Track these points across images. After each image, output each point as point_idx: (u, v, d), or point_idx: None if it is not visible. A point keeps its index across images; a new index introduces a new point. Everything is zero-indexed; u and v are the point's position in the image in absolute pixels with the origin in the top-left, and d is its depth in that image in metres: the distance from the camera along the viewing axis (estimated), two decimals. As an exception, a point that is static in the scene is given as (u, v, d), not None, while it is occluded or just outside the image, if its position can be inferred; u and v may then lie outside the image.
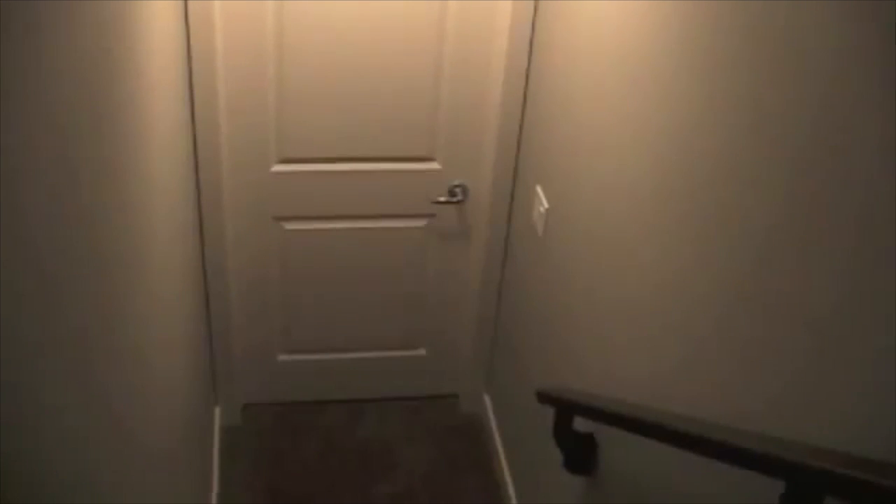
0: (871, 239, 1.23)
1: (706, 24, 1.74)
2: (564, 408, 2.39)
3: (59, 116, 1.13)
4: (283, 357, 3.80)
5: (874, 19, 1.20)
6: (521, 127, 3.23)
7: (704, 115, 1.75)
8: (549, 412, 2.44)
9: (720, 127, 1.68)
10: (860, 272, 1.25)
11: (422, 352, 3.89)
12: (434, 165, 3.36)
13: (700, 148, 1.77)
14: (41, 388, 1.01)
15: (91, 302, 1.30)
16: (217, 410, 3.76)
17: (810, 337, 1.38)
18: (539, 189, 3.00)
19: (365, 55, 3.07)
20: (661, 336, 2.01)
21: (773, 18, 1.47)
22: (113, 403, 1.46)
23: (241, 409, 3.84)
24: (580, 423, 2.41)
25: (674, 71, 1.90)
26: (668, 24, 1.93)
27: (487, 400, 3.90)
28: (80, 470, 1.20)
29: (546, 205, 2.92)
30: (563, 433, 2.43)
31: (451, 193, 3.41)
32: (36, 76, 1.01)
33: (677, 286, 1.89)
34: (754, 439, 1.45)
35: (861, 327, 1.26)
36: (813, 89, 1.35)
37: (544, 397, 2.46)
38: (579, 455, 2.45)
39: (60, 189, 1.12)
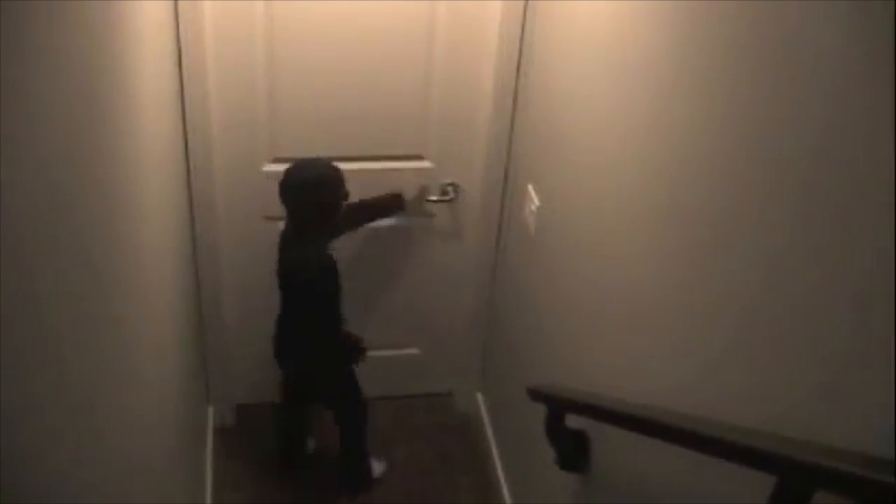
0: (889, 244, 1.20)
1: (709, 21, 1.74)
2: (556, 405, 2.39)
3: (49, 115, 1.13)
4: (276, 357, 3.79)
5: (887, 17, 1.19)
6: (511, 125, 3.23)
7: (707, 116, 1.74)
8: (542, 410, 2.44)
9: (725, 128, 1.67)
10: (877, 277, 1.23)
11: (415, 350, 3.89)
12: (425, 164, 3.35)
13: (704, 149, 1.76)
14: (22, 400, 1.00)
15: (77, 310, 1.29)
16: (210, 410, 3.75)
17: (828, 342, 1.36)
18: (530, 188, 3.00)
19: (356, 54, 3.06)
20: (656, 337, 2.01)
21: (783, 17, 1.45)
22: (99, 413, 1.45)
23: (235, 409, 3.83)
24: (574, 421, 2.41)
25: (675, 69, 1.88)
26: (668, 20, 1.91)
27: (481, 398, 3.90)
28: (64, 481, 1.19)
29: (538, 203, 2.92)
30: (555, 431, 2.43)
31: (443, 192, 3.41)
32: (26, 74, 1.01)
33: (678, 288, 1.89)
34: (745, 434, 1.45)
35: (881, 331, 1.23)
36: (826, 89, 1.34)
37: (536, 395, 2.46)
38: (572, 452, 2.45)
39: (47, 191, 1.12)
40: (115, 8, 1.70)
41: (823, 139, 1.35)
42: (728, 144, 1.64)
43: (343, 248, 3.49)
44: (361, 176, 3.31)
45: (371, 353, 3.56)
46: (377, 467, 3.58)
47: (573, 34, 2.56)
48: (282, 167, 3.26)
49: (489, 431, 3.74)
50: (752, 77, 1.55)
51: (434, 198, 3.40)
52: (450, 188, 3.41)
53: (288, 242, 2.98)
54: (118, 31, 1.72)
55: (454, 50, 3.12)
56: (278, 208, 3.37)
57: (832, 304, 1.33)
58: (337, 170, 2.86)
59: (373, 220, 3.33)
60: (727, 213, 1.65)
